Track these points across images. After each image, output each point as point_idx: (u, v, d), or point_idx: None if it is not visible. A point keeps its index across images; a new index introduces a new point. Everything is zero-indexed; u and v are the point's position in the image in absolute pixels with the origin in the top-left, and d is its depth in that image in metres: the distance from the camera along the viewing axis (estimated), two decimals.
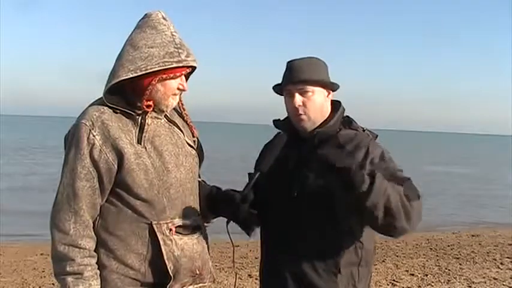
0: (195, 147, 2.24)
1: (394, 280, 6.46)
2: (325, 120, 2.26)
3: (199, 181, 2.28)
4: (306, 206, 2.18)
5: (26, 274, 6.58)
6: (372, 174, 1.94)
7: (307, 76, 2.20)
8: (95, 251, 2.00)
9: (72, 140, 2.00)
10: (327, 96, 2.27)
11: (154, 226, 2.02)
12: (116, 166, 1.99)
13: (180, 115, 2.25)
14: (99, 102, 2.06)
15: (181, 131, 2.19)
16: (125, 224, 2.02)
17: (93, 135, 1.97)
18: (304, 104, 2.21)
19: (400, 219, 1.99)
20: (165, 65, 2.00)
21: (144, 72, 1.99)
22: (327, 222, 2.18)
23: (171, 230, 2.05)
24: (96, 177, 1.98)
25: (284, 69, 2.28)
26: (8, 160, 22.93)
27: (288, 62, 2.27)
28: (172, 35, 2.05)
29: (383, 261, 7.36)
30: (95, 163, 1.97)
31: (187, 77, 2.17)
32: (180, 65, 2.04)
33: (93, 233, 2.00)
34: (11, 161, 22.91)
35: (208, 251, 2.23)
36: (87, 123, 1.98)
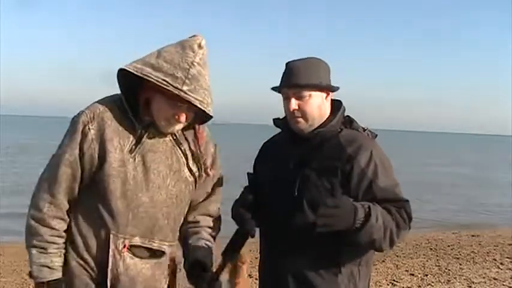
0: (198, 178, 2.17)
1: (394, 280, 6.47)
2: (326, 120, 2.25)
3: (199, 231, 2.24)
4: (306, 206, 2.17)
5: (26, 274, 6.58)
6: (366, 217, 2.02)
7: (303, 81, 2.18)
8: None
9: (70, 126, 2.06)
10: (325, 98, 2.24)
11: (111, 236, 2.05)
12: (97, 164, 2.02)
13: (192, 144, 2.16)
14: (110, 98, 2.08)
15: (186, 155, 2.14)
16: (90, 225, 2.06)
17: (89, 128, 2.00)
18: (300, 108, 2.19)
19: (382, 246, 2.12)
20: (161, 84, 1.94)
21: (140, 75, 1.98)
22: None
23: (125, 246, 2.06)
24: (79, 168, 2.02)
25: (283, 70, 2.25)
26: (8, 160, 22.92)
27: (287, 63, 2.24)
28: (193, 64, 1.97)
29: (383, 261, 7.35)
30: (82, 153, 2.01)
31: (203, 120, 2.13)
32: (176, 93, 1.95)
33: (66, 216, 2.06)
34: (10, 161, 22.89)
35: (164, 279, 2.17)
36: (88, 115, 2.02)
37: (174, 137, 2.11)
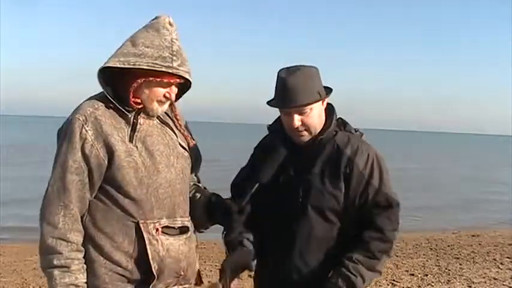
0: (188, 150, 2.23)
1: (394, 280, 6.47)
2: (324, 126, 2.26)
3: (199, 187, 2.29)
4: (310, 210, 2.19)
5: (26, 274, 6.59)
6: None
7: (303, 100, 2.16)
8: (82, 245, 2.02)
9: (65, 134, 2.02)
10: (322, 103, 2.26)
11: (141, 225, 2.04)
12: (106, 162, 2.01)
13: (174, 122, 2.24)
14: (94, 98, 2.08)
15: (174, 132, 2.20)
16: (113, 221, 2.04)
17: (86, 130, 1.99)
18: (303, 122, 2.20)
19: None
20: (154, 67, 2.01)
21: (131, 67, 2.00)
22: (332, 226, 2.20)
23: (157, 230, 2.06)
24: (87, 172, 2.00)
25: (276, 82, 2.21)
26: (7, 160, 22.93)
27: (279, 77, 2.19)
28: (172, 41, 2.05)
29: None
30: (86, 158, 1.99)
31: (183, 91, 2.18)
32: (169, 71, 2.03)
33: (81, 226, 2.02)
34: (9, 161, 22.90)
35: (196, 252, 2.24)
36: (80, 118, 2.00)
37: (160, 119, 2.17)
